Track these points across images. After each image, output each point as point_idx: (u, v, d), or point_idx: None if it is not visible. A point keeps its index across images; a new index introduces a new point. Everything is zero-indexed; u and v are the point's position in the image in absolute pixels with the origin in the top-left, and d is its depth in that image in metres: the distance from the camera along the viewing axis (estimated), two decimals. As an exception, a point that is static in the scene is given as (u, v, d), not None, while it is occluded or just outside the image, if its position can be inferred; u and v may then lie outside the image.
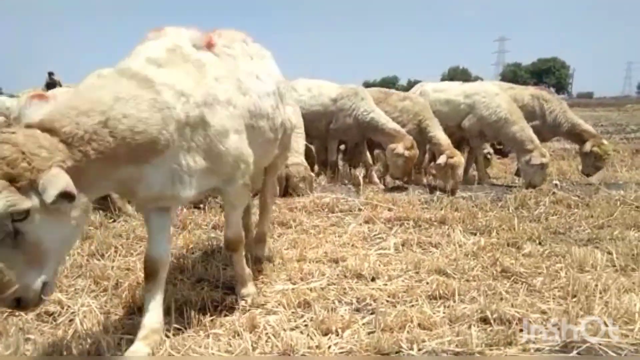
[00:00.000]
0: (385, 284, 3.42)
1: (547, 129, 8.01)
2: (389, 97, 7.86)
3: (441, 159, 6.88)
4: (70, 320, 2.79)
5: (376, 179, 7.52)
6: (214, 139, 2.44)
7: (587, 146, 7.56)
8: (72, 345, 2.37)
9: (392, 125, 7.10)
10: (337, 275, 3.59)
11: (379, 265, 3.75)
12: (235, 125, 2.56)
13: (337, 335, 2.64)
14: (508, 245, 4.29)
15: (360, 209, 5.53)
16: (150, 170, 2.27)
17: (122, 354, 2.32)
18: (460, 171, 6.96)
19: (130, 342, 2.43)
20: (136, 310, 2.92)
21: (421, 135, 7.46)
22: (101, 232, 4.38)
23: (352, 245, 4.34)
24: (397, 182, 7.40)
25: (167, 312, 2.83)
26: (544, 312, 2.89)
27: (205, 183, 2.51)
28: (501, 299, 3.08)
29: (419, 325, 2.72)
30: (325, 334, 2.64)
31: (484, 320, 2.79)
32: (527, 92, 8.36)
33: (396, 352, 2.46)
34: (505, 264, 3.70)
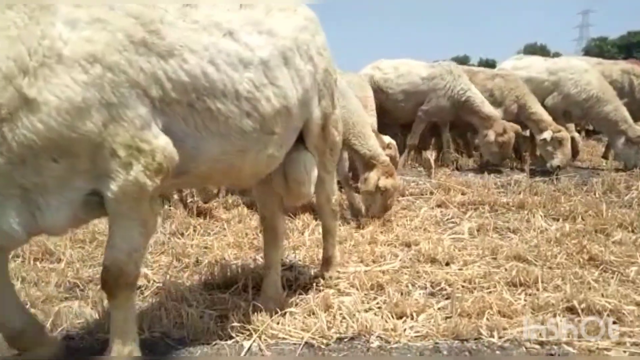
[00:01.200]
0: (461, 269, 3.31)
1: (637, 107, 7.34)
2: (475, 76, 7.30)
3: (546, 135, 6.50)
4: (156, 294, 2.96)
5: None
6: (56, 121, 1.58)
7: None
8: (160, 316, 2.52)
9: (487, 108, 6.68)
10: (410, 258, 3.52)
11: (454, 250, 3.64)
12: (102, 96, 1.66)
13: (412, 319, 2.59)
14: (596, 232, 4.00)
15: (432, 193, 5.39)
16: None
17: (203, 326, 2.43)
18: (568, 145, 6.54)
19: (211, 316, 2.54)
20: (215, 287, 3.05)
21: (518, 113, 6.96)
22: (180, 212, 4.60)
23: (424, 229, 4.25)
24: (471, 165, 7.12)
25: (244, 289, 2.95)
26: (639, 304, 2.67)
27: (74, 194, 1.73)
28: (589, 288, 2.87)
29: (498, 312, 2.61)
30: (400, 317, 2.60)
31: (571, 310, 2.62)
32: (616, 68, 7.71)
33: (475, 339, 2.37)
34: (594, 251, 3.44)
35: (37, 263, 3.39)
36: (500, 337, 2.37)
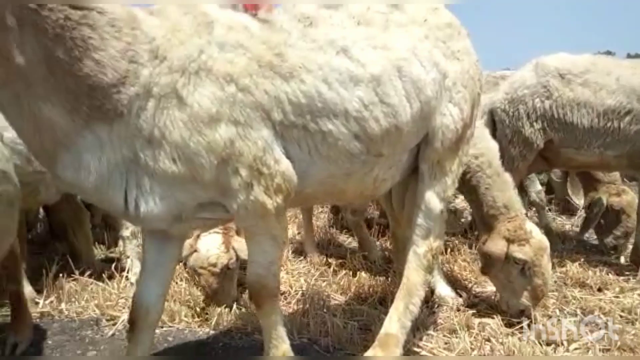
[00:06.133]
0: (617, 297, 3.02)
1: None
2: None
3: None
4: (298, 300, 3.16)
5: None
6: (191, 124, 1.72)
7: None
8: (308, 323, 2.70)
9: None
10: (556, 282, 3.31)
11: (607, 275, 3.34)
12: (232, 113, 1.78)
13: (563, 347, 2.44)
14: None
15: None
16: (86, 141, 1.68)
17: (347, 336, 2.55)
18: None
19: (354, 327, 2.65)
20: (351, 298, 3.16)
21: None
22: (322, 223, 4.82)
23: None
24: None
25: (380, 302, 3.01)
26: None
27: (182, 195, 1.81)
28: None
29: None
30: (548, 345, 2.47)
31: None
32: None
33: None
34: None
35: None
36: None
